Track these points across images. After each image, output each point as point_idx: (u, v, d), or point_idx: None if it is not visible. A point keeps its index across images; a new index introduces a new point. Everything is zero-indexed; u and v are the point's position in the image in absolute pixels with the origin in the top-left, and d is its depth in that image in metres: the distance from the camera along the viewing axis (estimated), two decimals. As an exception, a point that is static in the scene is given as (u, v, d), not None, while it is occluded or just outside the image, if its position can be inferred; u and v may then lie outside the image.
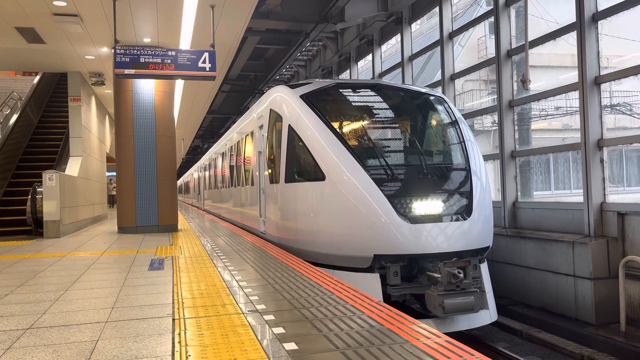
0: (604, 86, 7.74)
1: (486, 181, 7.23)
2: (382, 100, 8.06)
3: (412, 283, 6.45)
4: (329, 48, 17.56)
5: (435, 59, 14.86)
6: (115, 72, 8.90)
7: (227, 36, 10.22)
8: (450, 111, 7.88)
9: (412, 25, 13.51)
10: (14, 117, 13.92)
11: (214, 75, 9.21)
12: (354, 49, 16.68)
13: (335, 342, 3.01)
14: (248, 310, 3.80)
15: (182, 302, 4.10)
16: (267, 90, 10.56)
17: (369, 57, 15.92)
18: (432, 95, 8.14)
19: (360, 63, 17.36)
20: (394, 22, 13.80)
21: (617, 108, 11.26)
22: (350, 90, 8.00)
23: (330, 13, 13.89)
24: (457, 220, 6.53)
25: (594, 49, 7.71)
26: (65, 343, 3.15)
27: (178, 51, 9.11)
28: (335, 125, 7.19)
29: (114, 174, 13.27)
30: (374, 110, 7.94)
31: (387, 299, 6.20)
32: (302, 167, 7.40)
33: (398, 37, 13.93)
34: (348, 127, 7.39)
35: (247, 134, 11.24)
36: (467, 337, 7.16)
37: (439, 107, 7.98)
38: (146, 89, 11.01)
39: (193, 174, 30.98)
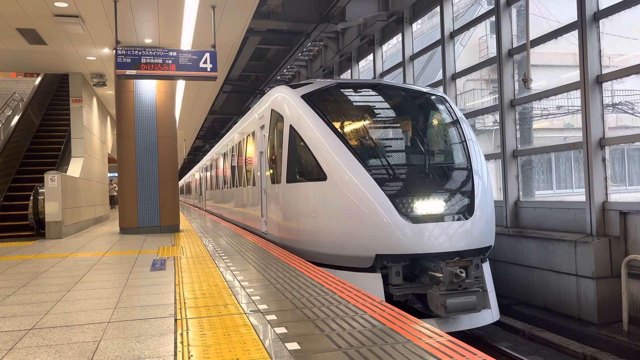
0: (605, 85, 7.74)
1: (488, 181, 7.22)
2: (383, 100, 8.05)
3: (414, 283, 6.45)
4: (330, 48, 17.56)
5: (436, 58, 14.87)
6: (116, 72, 8.91)
7: (228, 37, 10.22)
8: (452, 111, 7.87)
9: (413, 25, 13.51)
10: (16, 118, 13.94)
11: (215, 75, 9.23)
12: (355, 49, 16.68)
13: (338, 341, 3.00)
14: (250, 310, 3.79)
15: (184, 303, 4.10)
16: (268, 91, 10.56)
17: (370, 57, 15.92)
18: (434, 94, 8.13)
19: (362, 63, 17.36)
20: (394, 22, 13.80)
21: (619, 107, 11.23)
22: (351, 90, 7.99)
23: (331, 13, 13.89)
24: (459, 219, 6.53)
25: (595, 48, 7.70)
26: (67, 343, 3.15)
27: (179, 52, 9.12)
28: (337, 125, 7.18)
29: (115, 174, 13.26)
30: (375, 110, 7.94)
31: (389, 298, 6.19)
32: (303, 167, 7.39)
33: (399, 36, 13.94)
34: (349, 127, 7.39)
35: (249, 134, 11.24)
36: (470, 337, 7.15)
37: (441, 107, 7.97)
38: (147, 89, 11.01)
39: (194, 174, 30.97)
